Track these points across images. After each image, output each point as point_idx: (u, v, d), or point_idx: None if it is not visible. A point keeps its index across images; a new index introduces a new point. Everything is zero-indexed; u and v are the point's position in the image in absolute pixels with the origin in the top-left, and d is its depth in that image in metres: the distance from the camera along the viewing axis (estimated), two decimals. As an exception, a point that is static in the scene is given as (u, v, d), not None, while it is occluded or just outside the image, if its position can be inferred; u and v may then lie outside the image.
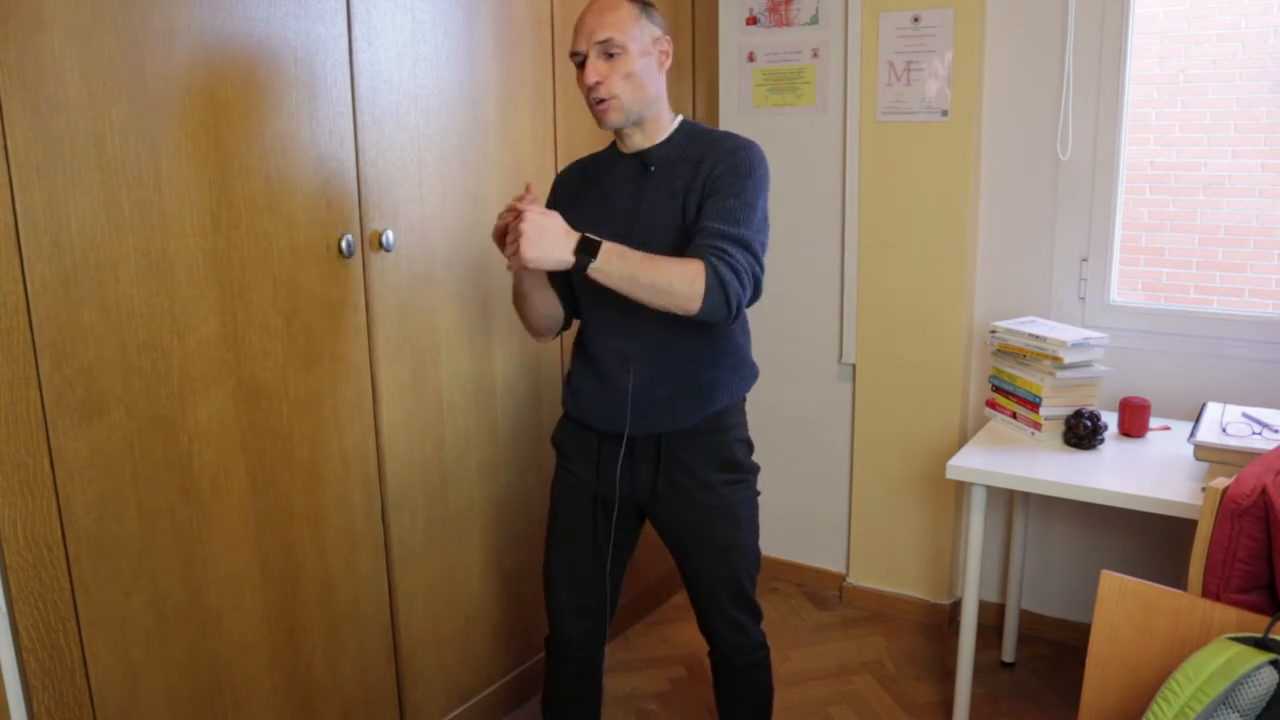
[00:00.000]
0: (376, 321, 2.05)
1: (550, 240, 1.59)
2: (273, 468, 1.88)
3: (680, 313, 1.64)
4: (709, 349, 1.81)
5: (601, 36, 1.69)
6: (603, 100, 1.71)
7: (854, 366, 2.99)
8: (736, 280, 1.64)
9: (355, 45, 1.92)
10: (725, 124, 3.05)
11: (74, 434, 1.56)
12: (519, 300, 1.88)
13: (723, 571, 1.88)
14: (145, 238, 1.62)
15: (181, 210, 1.66)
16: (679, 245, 1.72)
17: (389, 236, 2.02)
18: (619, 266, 1.60)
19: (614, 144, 1.86)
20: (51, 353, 1.51)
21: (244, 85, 1.73)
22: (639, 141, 1.79)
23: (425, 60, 2.08)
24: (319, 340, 1.94)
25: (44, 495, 1.53)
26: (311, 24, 1.83)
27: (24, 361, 1.48)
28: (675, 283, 1.61)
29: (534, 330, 1.93)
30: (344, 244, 1.94)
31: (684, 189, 1.74)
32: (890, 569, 3.06)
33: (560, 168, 2.21)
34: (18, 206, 1.45)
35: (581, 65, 1.72)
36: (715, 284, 1.62)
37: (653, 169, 1.77)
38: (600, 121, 1.75)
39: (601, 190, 1.83)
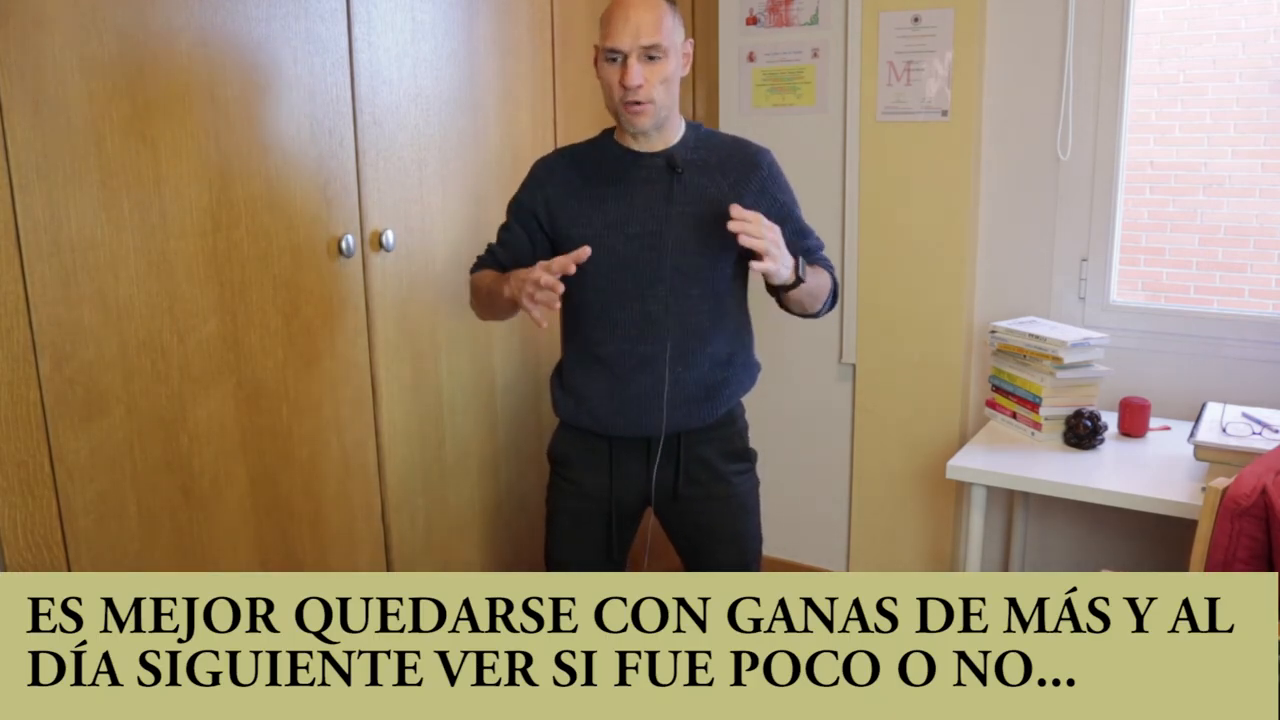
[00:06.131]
0: (376, 321, 2.05)
1: (785, 255, 1.67)
2: (273, 468, 1.88)
3: (805, 315, 1.85)
4: (727, 349, 1.85)
5: (648, 41, 1.66)
6: (640, 103, 1.69)
7: (854, 366, 2.99)
8: (838, 290, 1.90)
9: (355, 45, 1.92)
10: (725, 124, 3.04)
11: (74, 434, 1.55)
12: (501, 309, 1.82)
13: (735, 561, 1.91)
14: (145, 238, 1.62)
15: (181, 210, 1.66)
16: (711, 251, 1.76)
17: (389, 236, 2.02)
18: (811, 279, 1.75)
19: (611, 138, 1.83)
20: (51, 353, 1.51)
21: (244, 85, 1.73)
22: (657, 142, 1.78)
23: (425, 60, 2.08)
24: (319, 340, 1.94)
25: (44, 495, 1.53)
26: (311, 24, 1.83)
27: (24, 361, 1.48)
28: (823, 290, 1.82)
29: (495, 319, 1.98)
30: (344, 244, 1.94)
31: (722, 197, 1.74)
32: (890, 569, 3.06)
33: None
34: (18, 206, 1.44)
35: (615, 62, 1.68)
36: (832, 291, 1.87)
37: (680, 171, 1.75)
38: (629, 123, 1.73)
39: (618, 188, 1.79)
